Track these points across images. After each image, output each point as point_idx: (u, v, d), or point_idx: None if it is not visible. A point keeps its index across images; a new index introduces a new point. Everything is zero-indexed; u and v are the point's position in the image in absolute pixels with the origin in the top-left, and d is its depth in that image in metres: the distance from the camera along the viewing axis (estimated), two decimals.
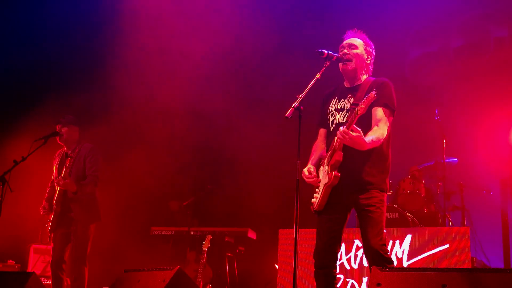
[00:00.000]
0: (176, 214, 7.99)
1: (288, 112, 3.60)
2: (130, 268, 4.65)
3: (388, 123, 3.86)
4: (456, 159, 7.06)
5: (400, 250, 5.71)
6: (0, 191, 5.15)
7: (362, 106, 3.56)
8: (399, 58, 8.27)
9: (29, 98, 8.29)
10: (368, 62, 4.08)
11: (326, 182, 3.81)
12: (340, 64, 4.01)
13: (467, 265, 5.40)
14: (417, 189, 6.80)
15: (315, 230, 3.98)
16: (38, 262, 7.50)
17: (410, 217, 6.36)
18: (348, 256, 5.90)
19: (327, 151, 3.98)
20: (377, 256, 3.67)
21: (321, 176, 3.92)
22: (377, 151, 3.84)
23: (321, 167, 3.95)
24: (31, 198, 6.71)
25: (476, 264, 5.81)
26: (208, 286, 7.04)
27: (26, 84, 8.45)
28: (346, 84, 4.09)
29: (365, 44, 4.08)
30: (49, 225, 5.67)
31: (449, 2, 7.82)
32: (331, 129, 4.02)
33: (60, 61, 8.47)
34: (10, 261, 7.43)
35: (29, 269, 7.34)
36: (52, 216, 5.66)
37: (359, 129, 3.58)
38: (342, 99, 4.03)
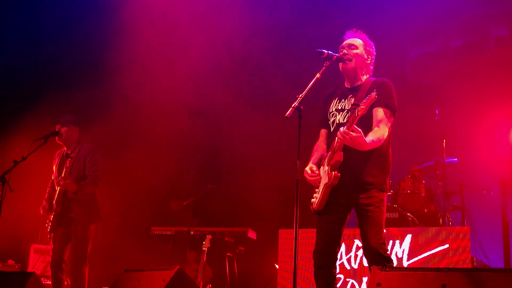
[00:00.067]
0: (176, 214, 7.98)
1: (288, 112, 3.60)
2: (130, 268, 4.65)
3: (388, 124, 3.86)
4: (456, 159, 7.06)
5: (400, 250, 5.71)
6: (0, 191, 5.15)
7: (362, 107, 3.55)
8: (399, 58, 8.27)
9: (29, 97, 8.28)
10: (368, 62, 4.08)
11: (326, 182, 3.81)
12: (340, 64, 4.01)
13: (467, 265, 5.40)
14: (417, 189, 6.80)
15: (315, 230, 3.98)
16: (38, 262, 7.50)
17: (410, 217, 6.36)
18: (348, 256, 5.90)
19: (327, 151, 3.98)
20: (377, 255, 3.67)
21: (321, 176, 3.93)
22: (378, 152, 3.84)
23: (321, 167, 3.96)
24: (31, 198, 6.71)
25: (476, 264, 5.81)
26: (208, 286, 7.04)
27: (26, 83, 8.43)
28: (347, 85, 4.09)
29: (365, 44, 4.08)
30: (49, 225, 5.67)
31: (449, 2, 7.82)
32: (332, 129, 4.03)
33: (59, 60, 8.47)
34: (10, 261, 7.43)
35: (29, 269, 7.34)
36: (52, 216, 5.67)
37: (360, 130, 3.58)
38: (343, 100, 4.03)
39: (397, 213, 6.40)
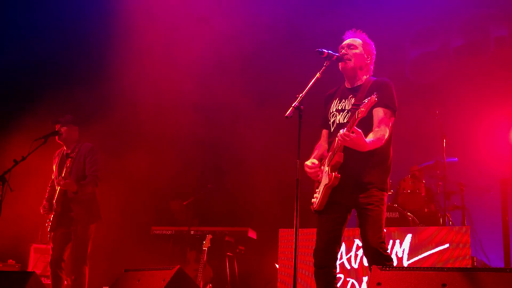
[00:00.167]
0: (176, 214, 7.99)
1: (288, 112, 3.60)
2: (130, 267, 4.65)
3: (389, 124, 3.86)
4: (456, 159, 7.06)
5: (400, 250, 5.71)
6: (0, 190, 5.15)
7: (363, 109, 3.55)
8: (400, 57, 8.27)
9: (29, 97, 8.28)
10: (368, 61, 4.07)
11: (327, 183, 3.82)
12: (340, 64, 4.01)
13: (467, 264, 5.40)
14: (417, 189, 6.79)
15: (315, 230, 3.99)
16: (38, 261, 7.50)
17: (410, 216, 6.36)
18: (349, 255, 5.90)
19: (328, 151, 3.98)
20: (377, 254, 3.67)
21: (321, 169, 3.93)
22: (378, 152, 3.84)
23: (322, 167, 3.96)
24: (31, 198, 6.71)
25: (476, 263, 5.81)
26: (208, 286, 7.05)
27: (25, 83, 8.44)
28: (347, 85, 4.09)
29: (365, 43, 4.07)
30: (49, 224, 5.67)
31: (449, 2, 7.82)
32: (332, 129, 4.03)
33: (59, 60, 8.47)
34: (11, 260, 7.44)
35: (30, 269, 7.34)
36: (52, 215, 5.67)
37: (360, 131, 3.58)
38: (343, 100, 4.03)
39: (397, 213, 6.40)
